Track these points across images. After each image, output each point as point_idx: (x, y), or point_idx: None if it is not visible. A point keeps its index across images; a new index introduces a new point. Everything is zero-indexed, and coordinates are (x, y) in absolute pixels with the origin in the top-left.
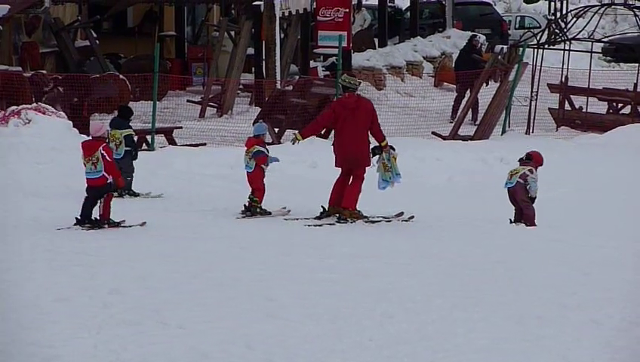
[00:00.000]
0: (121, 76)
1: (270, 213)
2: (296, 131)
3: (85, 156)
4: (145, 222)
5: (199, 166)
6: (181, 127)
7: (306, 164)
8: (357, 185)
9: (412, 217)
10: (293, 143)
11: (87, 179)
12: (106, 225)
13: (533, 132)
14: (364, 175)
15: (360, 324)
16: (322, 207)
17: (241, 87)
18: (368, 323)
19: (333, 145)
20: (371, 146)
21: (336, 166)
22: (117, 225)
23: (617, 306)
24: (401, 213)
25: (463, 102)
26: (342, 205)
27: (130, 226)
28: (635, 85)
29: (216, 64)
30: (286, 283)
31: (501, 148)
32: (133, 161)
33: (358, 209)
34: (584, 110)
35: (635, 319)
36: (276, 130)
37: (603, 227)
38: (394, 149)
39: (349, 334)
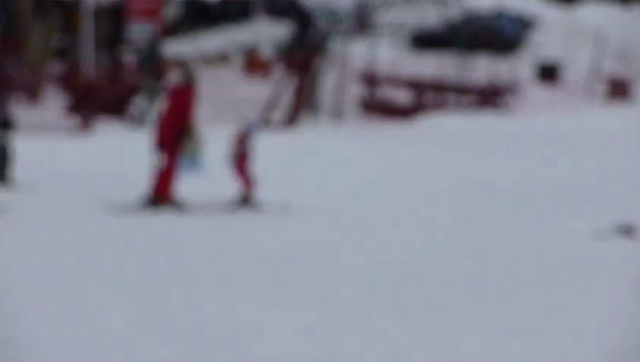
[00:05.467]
0: None
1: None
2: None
3: None
4: None
5: None
6: None
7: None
8: (167, 169)
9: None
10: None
11: None
12: None
13: (341, 121)
14: (174, 159)
15: (167, 311)
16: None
17: (51, 75)
18: (175, 309)
19: None
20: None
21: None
22: None
23: (426, 291)
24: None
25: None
26: (155, 192)
27: None
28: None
29: (27, 53)
30: None
31: (310, 137)
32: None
33: (172, 196)
34: (391, 99)
35: (445, 304)
36: (85, 119)
37: (408, 214)
38: (201, 139)
39: (156, 323)
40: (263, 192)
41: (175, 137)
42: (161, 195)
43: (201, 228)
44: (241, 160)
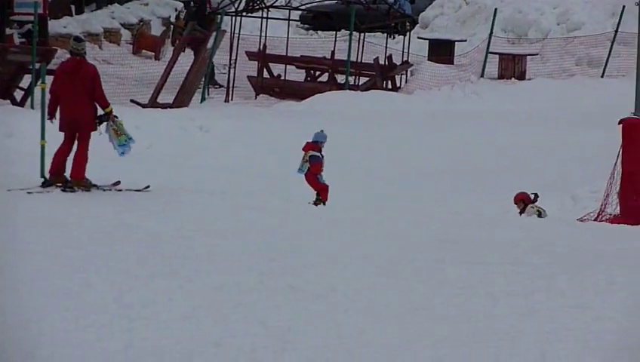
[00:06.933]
0: None
1: None
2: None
3: None
4: None
5: None
6: None
7: (1, 134)
8: (81, 151)
9: (147, 187)
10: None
11: None
12: None
13: (232, 100)
14: (89, 140)
15: (56, 294)
16: (43, 177)
17: None
18: (65, 292)
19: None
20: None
21: (59, 130)
22: None
23: (317, 272)
24: (118, 182)
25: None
26: (70, 175)
27: None
28: (333, 53)
29: None
30: None
31: (201, 116)
32: None
33: (86, 177)
34: (282, 78)
35: (335, 285)
36: None
37: (301, 194)
38: (117, 117)
39: (45, 305)
40: (155, 173)
41: (92, 117)
42: (77, 177)
43: (94, 209)
44: (313, 168)
